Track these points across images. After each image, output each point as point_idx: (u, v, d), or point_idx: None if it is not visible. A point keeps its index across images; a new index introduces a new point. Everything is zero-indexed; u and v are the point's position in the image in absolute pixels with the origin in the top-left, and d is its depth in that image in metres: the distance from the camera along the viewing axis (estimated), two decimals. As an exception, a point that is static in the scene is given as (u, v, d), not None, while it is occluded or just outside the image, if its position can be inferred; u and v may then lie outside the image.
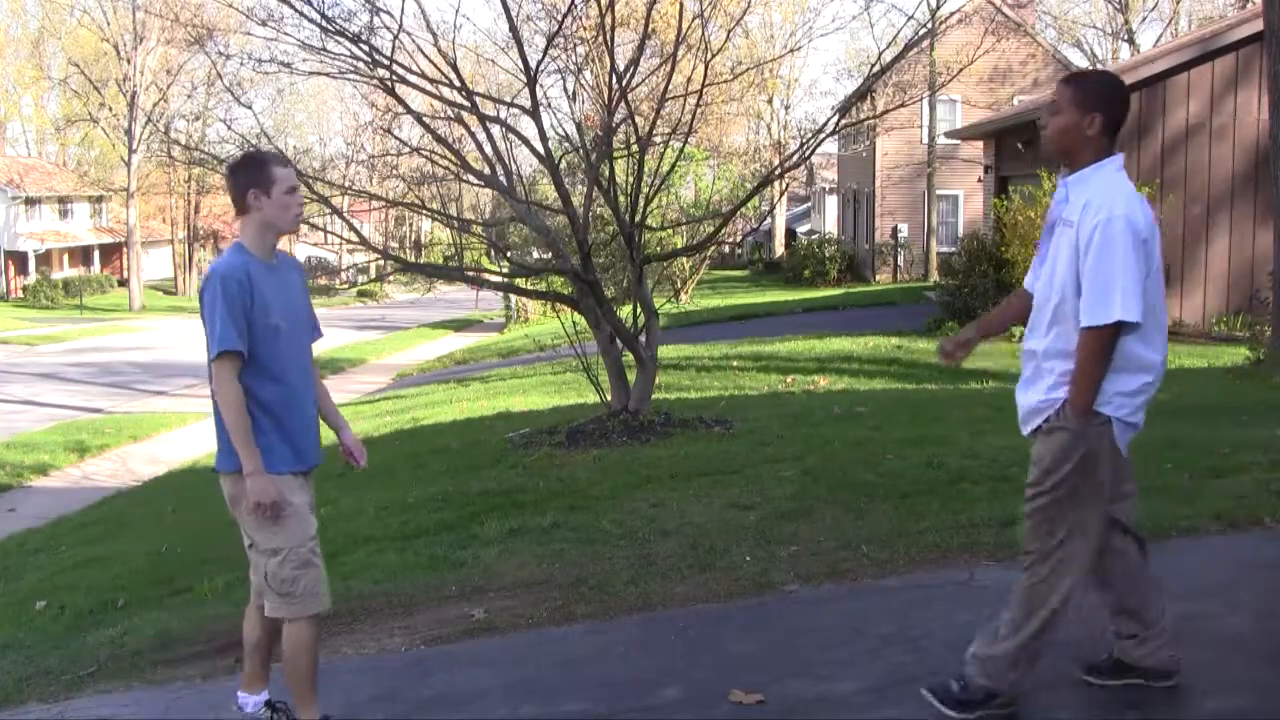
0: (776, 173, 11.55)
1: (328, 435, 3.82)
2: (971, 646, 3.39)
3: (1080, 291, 3.13)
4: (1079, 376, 3.15)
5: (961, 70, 13.05)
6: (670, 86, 9.66)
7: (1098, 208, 3.12)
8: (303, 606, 3.57)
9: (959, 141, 29.33)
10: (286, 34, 9.53)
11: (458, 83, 9.34)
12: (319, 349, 3.92)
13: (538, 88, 9.24)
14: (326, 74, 9.98)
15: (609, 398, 9.71)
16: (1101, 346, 3.12)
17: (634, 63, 9.56)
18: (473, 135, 9.95)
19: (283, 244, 3.86)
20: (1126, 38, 41.43)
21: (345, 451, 3.91)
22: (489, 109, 10.02)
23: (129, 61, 46.98)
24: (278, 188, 3.59)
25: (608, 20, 8.99)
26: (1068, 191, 3.23)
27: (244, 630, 3.79)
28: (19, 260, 50.67)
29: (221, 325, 3.44)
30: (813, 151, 10.82)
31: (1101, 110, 3.18)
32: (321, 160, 19.68)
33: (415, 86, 9.67)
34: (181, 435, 16.81)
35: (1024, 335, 3.42)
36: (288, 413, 3.59)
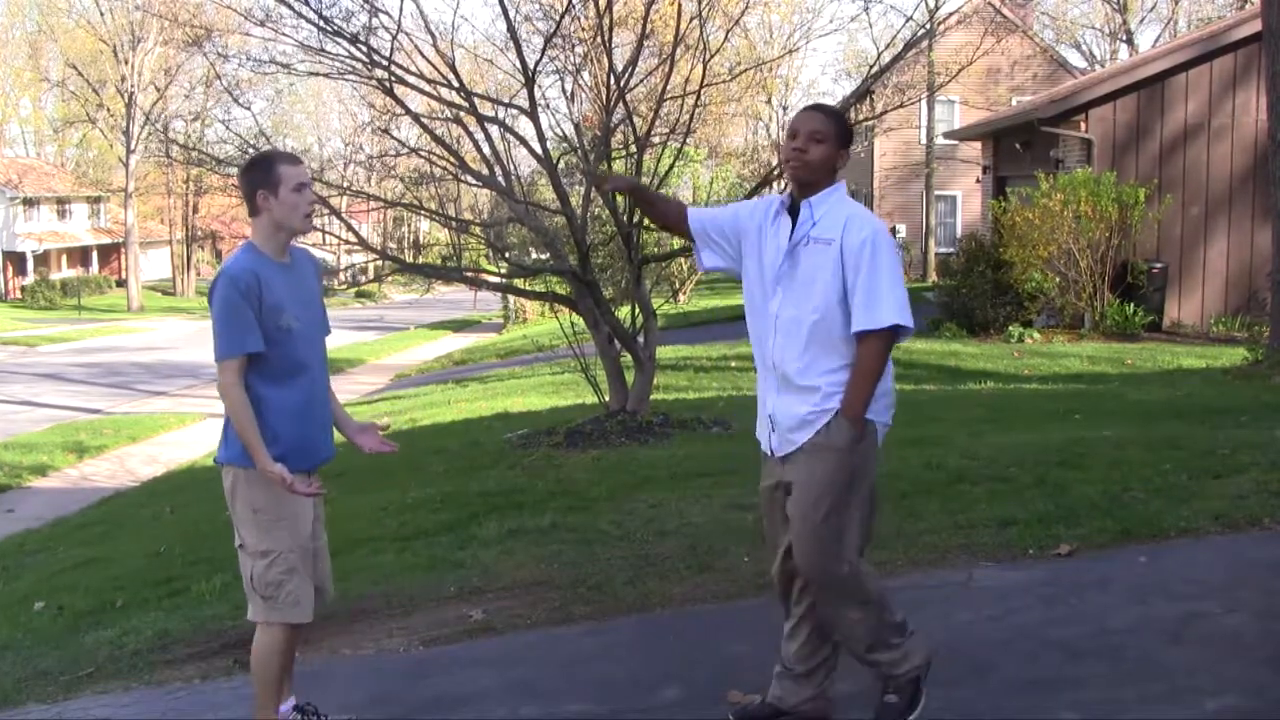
0: (775, 173, 11.54)
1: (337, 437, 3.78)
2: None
3: (845, 304, 3.20)
4: (858, 381, 3.20)
5: (960, 71, 13.01)
6: (668, 87, 9.66)
7: (859, 224, 3.23)
8: (283, 613, 3.51)
9: (957, 142, 29.33)
10: (285, 34, 9.55)
11: (456, 83, 9.34)
12: None
13: (536, 88, 9.25)
14: (325, 74, 9.99)
15: (607, 398, 9.70)
16: (881, 351, 3.20)
17: (632, 63, 9.56)
18: (471, 136, 9.94)
19: None
20: (1125, 38, 41.42)
21: (369, 450, 3.78)
22: (487, 109, 10.02)
23: (127, 62, 46.94)
24: (284, 186, 3.50)
25: (605, 21, 9.00)
26: (812, 211, 3.29)
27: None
28: (17, 261, 50.63)
29: (228, 328, 3.40)
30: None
31: (845, 145, 3.34)
32: (320, 161, 19.68)
33: (414, 87, 9.67)
34: (180, 436, 16.79)
35: (758, 356, 3.41)
36: (298, 413, 3.52)
